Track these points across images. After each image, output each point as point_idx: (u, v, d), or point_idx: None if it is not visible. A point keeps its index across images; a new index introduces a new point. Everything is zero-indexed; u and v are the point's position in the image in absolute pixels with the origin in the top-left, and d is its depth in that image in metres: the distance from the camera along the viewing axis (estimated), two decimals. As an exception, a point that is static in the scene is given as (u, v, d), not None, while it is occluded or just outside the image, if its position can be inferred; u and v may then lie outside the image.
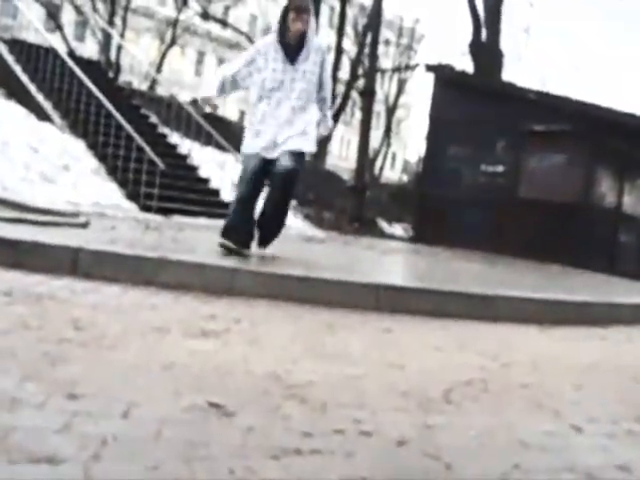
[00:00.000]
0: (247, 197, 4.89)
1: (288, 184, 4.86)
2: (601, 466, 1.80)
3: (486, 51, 16.76)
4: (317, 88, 4.95)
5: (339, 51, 23.17)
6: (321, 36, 21.32)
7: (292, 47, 4.84)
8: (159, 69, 26.57)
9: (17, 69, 11.98)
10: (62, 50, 12.30)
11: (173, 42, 27.62)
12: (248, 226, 4.93)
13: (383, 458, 1.68)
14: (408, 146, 53.69)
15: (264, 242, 5.12)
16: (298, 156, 4.83)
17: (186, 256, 4.10)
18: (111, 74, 18.36)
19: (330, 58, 5.07)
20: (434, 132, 12.43)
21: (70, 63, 10.87)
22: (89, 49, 28.61)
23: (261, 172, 4.87)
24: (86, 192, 8.68)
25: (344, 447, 1.70)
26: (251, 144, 4.91)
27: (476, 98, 11.74)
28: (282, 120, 4.83)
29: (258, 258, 4.77)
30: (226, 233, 4.83)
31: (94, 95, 10.22)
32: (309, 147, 4.91)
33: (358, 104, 25.22)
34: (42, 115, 10.85)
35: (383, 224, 15.90)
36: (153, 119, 12.81)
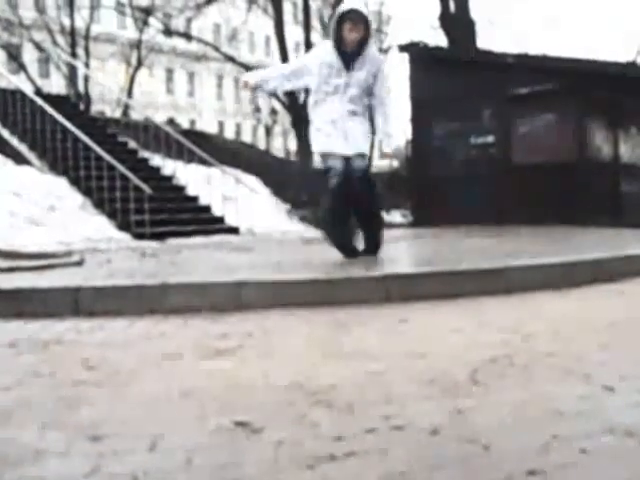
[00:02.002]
0: (340, 209, 5.15)
1: (366, 184, 5.16)
2: (639, 423, 1.80)
3: (457, 22, 16.74)
4: (366, 96, 5.16)
5: (308, 46, 23.17)
6: (287, 33, 21.20)
7: (349, 55, 5.04)
8: (130, 93, 26.54)
9: (-14, 117, 12.01)
10: (29, 90, 12.31)
11: (140, 64, 27.57)
12: (349, 232, 5.27)
13: (419, 450, 1.68)
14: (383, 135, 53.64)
15: (372, 248, 5.30)
16: (365, 158, 5.21)
17: (188, 278, 4.10)
18: (82, 106, 18.37)
19: (384, 70, 5.37)
20: (418, 113, 12.42)
21: (39, 102, 10.88)
22: (56, 84, 28.63)
23: (344, 176, 5.10)
24: (76, 229, 8.68)
25: (378, 445, 1.70)
26: (326, 143, 5.15)
27: (454, 71, 11.73)
28: (342, 123, 5.09)
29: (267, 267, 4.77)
30: (344, 249, 5.15)
31: (69, 130, 10.23)
32: (368, 150, 5.29)
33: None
34: (19, 159, 10.86)
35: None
36: (132, 145, 12.82)
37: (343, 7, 5.05)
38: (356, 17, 4.94)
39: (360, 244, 5.35)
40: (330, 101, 5.09)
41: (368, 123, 5.27)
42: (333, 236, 5.22)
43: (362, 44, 5.02)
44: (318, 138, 5.21)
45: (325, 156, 5.19)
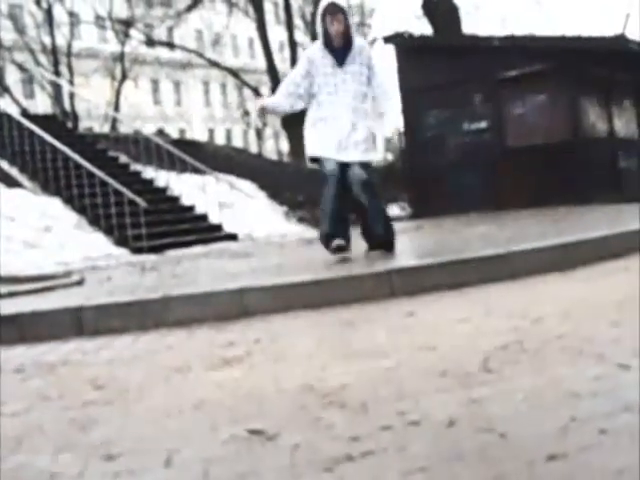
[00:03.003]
0: (334, 208, 5.08)
1: (368, 191, 5.12)
2: (657, 398, 1.80)
3: (440, 9, 16.74)
4: (369, 90, 5.20)
5: (293, 45, 23.18)
6: (270, 33, 21.19)
7: (338, 50, 5.11)
8: (116, 107, 26.55)
9: (-26, 142, 12.00)
10: (15, 112, 12.31)
11: (124, 77, 27.58)
12: (344, 232, 5.16)
13: (437, 443, 1.68)
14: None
15: (387, 246, 5.27)
16: (367, 166, 5.18)
17: (190, 289, 4.10)
18: (70, 124, 18.36)
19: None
20: (408, 103, 12.40)
21: (26, 123, 10.88)
22: (42, 104, 28.64)
23: (340, 177, 5.07)
24: (73, 249, 8.69)
25: (395, 442, 1.70)
26: (319, 147, 5.15)
27: (442, 59, 11.73)
28: (344, 122, 5.08)
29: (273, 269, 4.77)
30: (326, 241, 5.09)
31: (58, 149, 10.23)
32: (375, 156, 5.36)
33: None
34: (10, 182, 10.86)
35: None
36: (123, 159, 12.83)
37: (322, 2, 5.18)
38: (333, 9, 5.06)
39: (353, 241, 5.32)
40: (331, 101, 5.11)
41: (373, 122, 5.29)
42: (324, 230, 5.16)
43: (348, 37, 5.10)
44: (313, 141, 5.19)
45: (320, 161, 5.18)
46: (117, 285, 4.99)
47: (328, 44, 5.11)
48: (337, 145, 5.08)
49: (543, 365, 2.24)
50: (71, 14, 26.38)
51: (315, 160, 5.23)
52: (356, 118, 5.12)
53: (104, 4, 26.80)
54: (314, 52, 5.22)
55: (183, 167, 11.95)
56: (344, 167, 5.09)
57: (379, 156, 5.45)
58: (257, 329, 3.41)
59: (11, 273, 6.40)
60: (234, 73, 28.60)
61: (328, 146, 5.09)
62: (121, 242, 9.36)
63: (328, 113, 5.11)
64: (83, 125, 24.74)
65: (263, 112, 5.46)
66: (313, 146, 5.20)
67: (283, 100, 5.25)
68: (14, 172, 11.21)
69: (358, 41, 5.23)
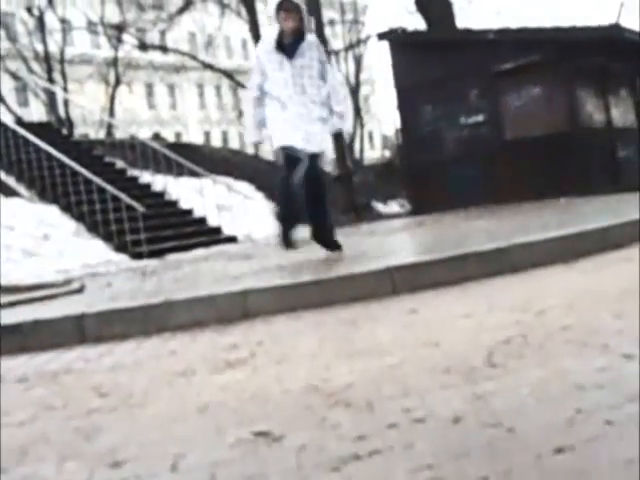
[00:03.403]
0: (286, 193, 5.29)
1: (315, 184, 5.25)
2: (663, 388, 1.81)
3: (433, 3, 16.72)
4: (321, 83, 5.26)
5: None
6: (263, 33, 21.25)
7: (288, 45, 5.17)
8: (111, 113, 26.55)
9: (-30, 152, 12.01)
10: (9, 120, 12.31)
11: (118, 82, 27.57)
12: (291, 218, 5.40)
13: (443, 440, 1.68)
14: (382, 121, 53.64)
15: (326, 243, 5.48)
16: (317, 157, 5.30)
17: (191, 292, 4.10)
18: (65, 131, 18.36)
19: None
20: (404, 99, 12.41)
21: (21, 131, 10.88)
22: (36, 112, 28.63)
23: (291, 164, 5.23)
24: (72, 256, 8.69)
25: (401, 440, 1.70)
26: (280, 139, 5.26)
27: (436, 54, 11.73)
28: (298, 116, 5.16)
29: (276, 270, 4.77)
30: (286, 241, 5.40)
31: (54, 157, 10.23)
32: (322, 146, 5.40)
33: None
34: (8, 191, 10.87)
35: (378, 206, 15.91)
36: (120, 164, 12.83)
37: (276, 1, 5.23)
38: (289, 6, 5.13)
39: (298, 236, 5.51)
40: (284, 96, 5.17)
41: (326, 112, 5.33)
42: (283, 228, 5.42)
43: (300, 33, 5.18)
44: (276, 133, 5.28)
45: (284, 149, 5.28)
46: (118, 291, 4.99)
47: (280, 40, 5.18)
48: (298, 135, 5.17)
49: (547, 358, 2.24)
50: (63, 21, 26.37)
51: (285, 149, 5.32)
52: (309, 112, 5.19)
53: (96, 10, 26.81)
54: (264, 49, 5.31)
55: (180, 170, 11.95)
56: (295, 158, 5.21)
57: (323, 147, 5.54)
58: (260, 331, 3.41)
59: (11, 282, 6.40)
60: (228, 75, 28.59)
61: (291, 136, 5.19)
62: (120, 248, 9.37)
63: (281, 108, 5.18)
64: (78, 132, 24.73)
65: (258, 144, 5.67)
66: (280, 138, 5.29)
67: (259, 113, 5.36)
68: (11, 181, 11.22)
69: (309, 37, 5.30)
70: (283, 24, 5.13)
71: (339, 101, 5.37)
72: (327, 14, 26.73)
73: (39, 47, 24.97)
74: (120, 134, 21.10)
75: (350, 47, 30.53)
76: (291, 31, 5.13)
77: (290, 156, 5.22)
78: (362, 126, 32.16)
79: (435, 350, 2.55)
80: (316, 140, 5.24)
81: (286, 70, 5.16)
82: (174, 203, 11.59)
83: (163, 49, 29.36)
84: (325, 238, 5.50)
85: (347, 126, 5.64)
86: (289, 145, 5.20)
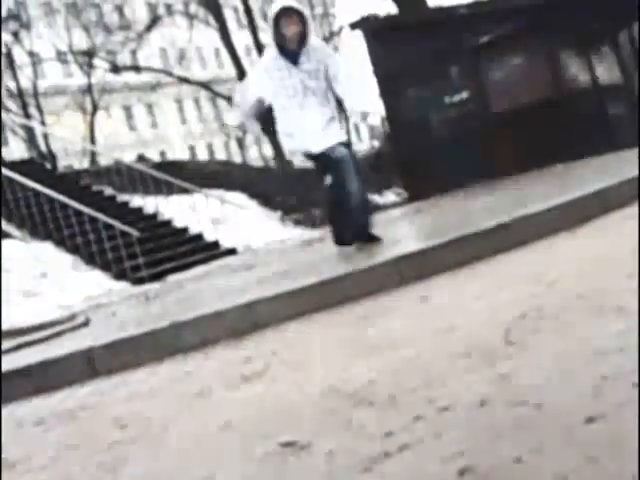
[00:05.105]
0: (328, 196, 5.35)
1: (343, 171, 5.18)
2: (686, 342, 1.81)
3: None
4: (330, 85, 5.24)
5: (259, 47, 23.16)
6: (235, 40, 21.15)
7: (292, 51, 5.15)
8: (92, 140, 26.53)
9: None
10: (-9, 162, 12.30)
11: (95, 108, 27.55)
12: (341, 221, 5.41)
13: (472, 425, 1.68)
14: (374, 114, 53.54)
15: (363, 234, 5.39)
16: (343, 146, 5.26)
17: (197, 311, 4.10)
18: (48, 165, 18.36)
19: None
20: (385, 86, 12.38)
21: (5, 171, 10.88)
22: (17, 149, 28.60)
23: (321, 168, 5.32)
24: (73, 290, 8.69)
25: (430, 431, 1.70)
26: (295, 148, 5.38)
27: (412, 36, 11.70)
28: (312, 121, 5.15)
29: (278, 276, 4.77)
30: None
31: (41, 193, 10.23)
32: (343, 136, 5.39)
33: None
34: (-1, 234, 10.85)
35: (374, 197, 15.91)
36: (108, 191, 12.83)
37: (274, 8, 5.20)
38: (289, 12, 5.10)
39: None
40: (295, 103, 5.16)
41: (338, 115, 5.38)
42: (333, 231, 5.44)
43: (304, 38, 5.15)
44: (289, 141, 5.33)
45: (309, 157, 5.36)
46: (124, 320, 4.99)
47: (282, 47, 5.14)
48: (308, 144, 5.20)
49: (565, 328, 2.24)
50: (31, 54, 26.36)
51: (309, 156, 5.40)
52: (322, 116, 5.19)
53: (63, 38, 26.80)
54: (268, 60, 5.31)
55: (170, 189, 11.94)
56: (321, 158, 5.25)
57: (344, 136, 5.54)
58: (272, 340, 3.41)
59: (14, 325, 6.39)
60: (205, 86, 28.58)
61: (305, 141, 5.21)
62: (120, 276, 9.36)
63: (293, 116, 5.17)
64: (62, 164, 24.71)
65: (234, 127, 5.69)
66: (290, 144, 5.36)
67: (254, 111, 5.39)
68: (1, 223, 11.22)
69: (313, 40, 5.29)
70: (286, 31, 5.09)
71: (350, 88, 5.31)
72: (296, 11, 26.66)
73: (11, 84, 24.95)
74: (104, 161, 21.08)
75: (324, 41, 30.50)
76: (295, 36, 5.10)
77: (317, 160, 5.29)
78: (346, 119, 32.14)
79: (451, 335, 2.55)
80: (334, 134, 5.24)
81: (294, 76, 5.14)
82: (168, 223, 11.60)
83: (136, 69, 29.37)
84: (359, 231, 5.42)
85: (364, 105, 5.68)
86: (309, 150, 5.25)
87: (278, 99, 5.21)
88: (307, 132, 5.16)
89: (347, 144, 5.37)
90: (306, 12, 5.25)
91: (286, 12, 5.09)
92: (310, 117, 5.15)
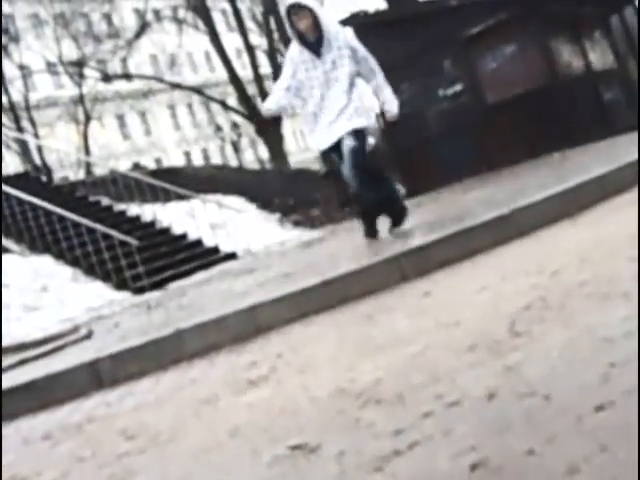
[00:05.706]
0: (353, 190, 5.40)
1: (357, 160, 5.28)
2: (692, 326, 1.80)
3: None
4: (358, 69, 5.42)
5: (250, 49, 23.18)
6: (224, 42, 21.13)
7: (313, 43, 5.29)
8: (87, 151, 26.53)
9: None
10: (-15, 178, 12.29)
11: (88, 118, 27.57)
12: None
13: (481, 418, 1.68)
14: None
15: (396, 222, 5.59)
16: (357, 133, 5.33)
17: (200, 317, 4.10)
18: (44, 178, 18.36)
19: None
20: (378, 83, 12.37)
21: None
22: (11, 163, 28.58)
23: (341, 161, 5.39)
24: (74, 303, 8.68)
25: (439, 427, 1.70)
26: (319, 142, 5.45)
27: (403, 31, 11.71)
28: (336, 111, 5.28)
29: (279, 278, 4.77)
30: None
31: (38, 206, 10.23)
32: (363, 122, 5.42)
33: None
34: (-3, 250, 10.85)
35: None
36: (105, 201, 12.83)
37: (287, 3, 5.39)
38: (297, 7, 5.24)
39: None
40: (319, 94, 5.28)
41: (361, 105, 5.48)
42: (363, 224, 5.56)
43: (319, 29, 5.26)
44: (317, 136, 5.45)
45: (325, 154, 5.57)
46: (127, 330, 4.99)
47: (302, 40, 5.29)
48: (330, 136, 5.31)
49: (570, 317, 2.24)
50: (21, 67, 26.37)
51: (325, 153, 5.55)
52: (346, 103, 5.29)
53: (52, 49, 26.81)
54: (293, 51, 5.42)
55: (167, 196, 11.93)
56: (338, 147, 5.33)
57: (368, 121, 5.66)
58: (276, 343, 3.41)
59: (17, 341, 6.39)
60: (197, 90, 28.61)
61: (326, 140, 5.35)
62: (121, 286, 9.36)
63: (321, 106, 5.30)
64: (57, 176, 24.70)
65: (271, 116, 5.80)
66: (318, 141, 5.46)
67: (282, 97, 5.44)
68: (-2, 239, 11.22)
69: (329, 27, 5.37)
70: (299, 26, 5.25)
71: (382, 86, 5.60)
72: (285, 11, 26.65)
73: (2, 98, 24.96)
74: (99, 171, 21.09)
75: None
76: (309, 29, 5.23)
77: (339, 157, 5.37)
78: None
79: (456, 329, 2.55)
80: (345, 124, 5.31)
81: (318, 67, 5.27)
82: (167, 230, 11.59)
83: (127, 77, 29.39)
84: (393, 212, 5.62)
85: (395, 106, 5.79)
86: (331, 146, 5.35)
87: (306, 89, 5.33)
88: (320, 128, 5.32)
89: (361, 130, 5.41)
90: (311, 4, 5.31)
91: (293, 8, 5.25)
92: (327, 110, 5.27)
